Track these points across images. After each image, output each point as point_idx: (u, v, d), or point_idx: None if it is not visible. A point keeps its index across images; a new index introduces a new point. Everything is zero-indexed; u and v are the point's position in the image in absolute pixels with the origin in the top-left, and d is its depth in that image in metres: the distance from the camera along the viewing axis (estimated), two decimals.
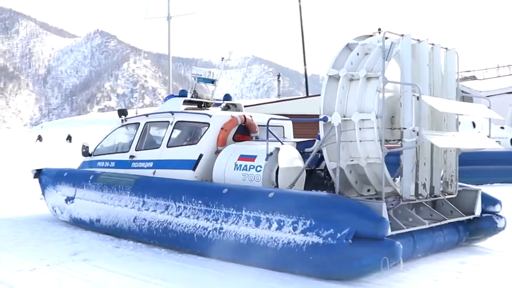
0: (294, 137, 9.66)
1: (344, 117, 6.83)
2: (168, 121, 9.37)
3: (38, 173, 11.49)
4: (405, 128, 6.66)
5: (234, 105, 10.48)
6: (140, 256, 7.54)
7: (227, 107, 10.43)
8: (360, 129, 6.76)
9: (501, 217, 8.16)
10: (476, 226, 8.00)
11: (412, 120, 6.57)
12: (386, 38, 6.90)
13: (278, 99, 49.87)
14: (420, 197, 7.07)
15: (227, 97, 10.63)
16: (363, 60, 7.02)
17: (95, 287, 6.10)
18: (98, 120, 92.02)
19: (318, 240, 6.16)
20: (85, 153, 10.91)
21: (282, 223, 6.52)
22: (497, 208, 8.18)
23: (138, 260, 7.31)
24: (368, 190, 7.30)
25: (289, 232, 6.43)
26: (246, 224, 6.85)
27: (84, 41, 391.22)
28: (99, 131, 60.56)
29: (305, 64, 41.27)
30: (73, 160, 14.26)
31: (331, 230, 6.08)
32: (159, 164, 9.15)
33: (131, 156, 9.76)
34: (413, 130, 6.51)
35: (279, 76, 71.55)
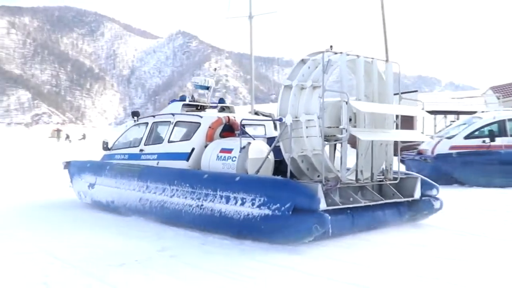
0: None
1: (296, 118, 8.84)
2: (170, 121, 11.57)
3: (68, 165, 13.90)
4: (338, 127, 8.62)
5: (228, 107, 12.62)
6: (227, 253, 7.79)
7: (222, 109, 12.52)
8: (306, 127, 8.75)
9: (437, 199, 10.06)
10: (417, 207, 9.84)
11: (343, 119, 8.45)
12: (336, 53, 8.89)
13: None
14: (359, 181, 8.96)
15: (221, 100, 12.83)
16: (313, 72, 9.01)
17: (182, 283, 6.30)
18: None
19: (268, 212, 8.02)
20: (106, 148, 13.17)
21: (244, 200, 8.43)
22: (434, 192, 10.05)
23: (225, 256, 7.57)
24: (318, 176, 9.12)
25: (248, 207, 8.31)
26: (220, 202, 8.81)
27: (166, 41, 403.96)
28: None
29: (387, 61, 40.79)
30: None
31: (278, 204, 7.94)
32: (161, 156, 11.30)
33: (141, 150, 11.94)
34: (343, 128, 8.41)
35: None
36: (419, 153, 17.44)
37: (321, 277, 6.48)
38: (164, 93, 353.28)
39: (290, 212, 7.85)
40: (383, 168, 9.47)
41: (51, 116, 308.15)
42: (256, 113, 28.66)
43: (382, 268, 6.84)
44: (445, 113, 37.59)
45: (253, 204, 8.31)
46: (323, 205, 7.98)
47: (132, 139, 12.80)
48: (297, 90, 8.95)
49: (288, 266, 7.00)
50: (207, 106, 12.50)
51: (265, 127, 11.84)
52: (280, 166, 9.69)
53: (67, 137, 63.66)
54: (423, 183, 9.91)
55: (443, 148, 17.04)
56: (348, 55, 8.81)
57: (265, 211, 8.10)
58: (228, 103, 13.10)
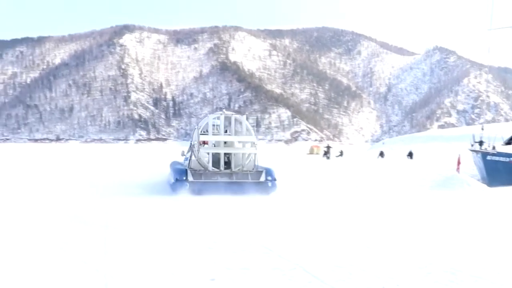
0: None
1: (195, 142, 20.52)
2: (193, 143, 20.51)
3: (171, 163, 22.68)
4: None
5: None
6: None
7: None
8: (200, 146, 20.46)
9: (272, 182, 18.14)
10: (262, 186, 17.91)
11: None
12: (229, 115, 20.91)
13: None
14: (219, 170, 19.62)
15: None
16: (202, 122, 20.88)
17: None
18: (439, 136, 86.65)
19: (173, 181, 17.88)
20: (182, 154, 22.59)
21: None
22: (269, 178, 18.04)
23: None
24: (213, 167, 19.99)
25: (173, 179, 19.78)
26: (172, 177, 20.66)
27: (423, 58, 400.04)
28: (439, 148, 60.90)
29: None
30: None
31: (175, 178, 17.95)
32: (185, 159, 20.91)
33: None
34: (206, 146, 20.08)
35: None
36: None
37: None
38: (421, 110, 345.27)
39: (175, 181, 17.98)
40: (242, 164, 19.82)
41: (309, 133, 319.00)
42: None
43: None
44: None
45: (173, 178, 18.99)
46: (190, 178, 17.81)
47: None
48: (197, 130, 20.75)
49: None
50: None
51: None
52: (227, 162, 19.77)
53: (325, 153, 60.10)
54: (266, 172, 18.23)
55: None
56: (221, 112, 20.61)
57: (172, 180, 18.21)
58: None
